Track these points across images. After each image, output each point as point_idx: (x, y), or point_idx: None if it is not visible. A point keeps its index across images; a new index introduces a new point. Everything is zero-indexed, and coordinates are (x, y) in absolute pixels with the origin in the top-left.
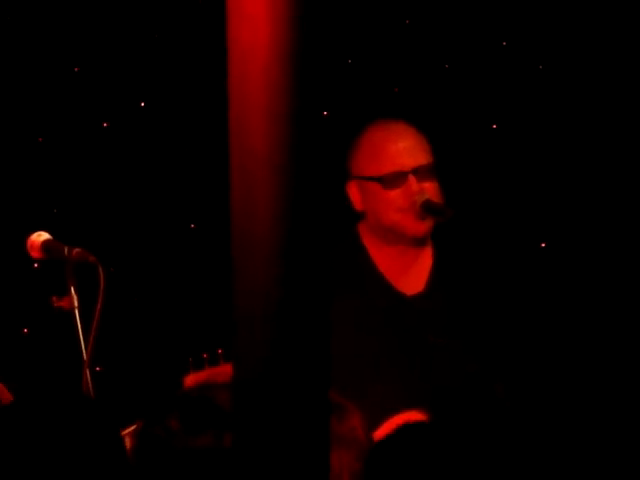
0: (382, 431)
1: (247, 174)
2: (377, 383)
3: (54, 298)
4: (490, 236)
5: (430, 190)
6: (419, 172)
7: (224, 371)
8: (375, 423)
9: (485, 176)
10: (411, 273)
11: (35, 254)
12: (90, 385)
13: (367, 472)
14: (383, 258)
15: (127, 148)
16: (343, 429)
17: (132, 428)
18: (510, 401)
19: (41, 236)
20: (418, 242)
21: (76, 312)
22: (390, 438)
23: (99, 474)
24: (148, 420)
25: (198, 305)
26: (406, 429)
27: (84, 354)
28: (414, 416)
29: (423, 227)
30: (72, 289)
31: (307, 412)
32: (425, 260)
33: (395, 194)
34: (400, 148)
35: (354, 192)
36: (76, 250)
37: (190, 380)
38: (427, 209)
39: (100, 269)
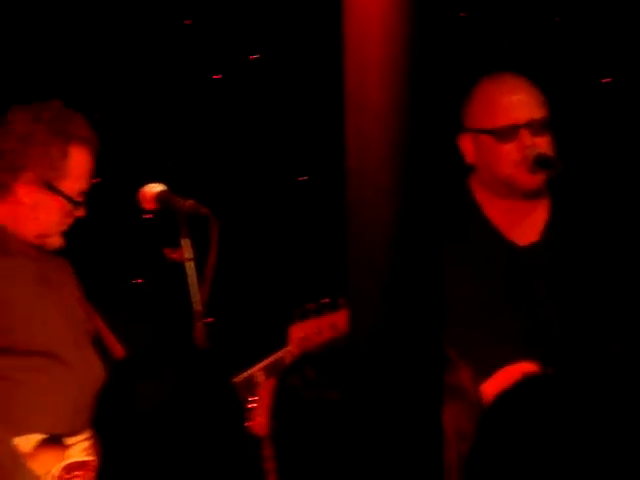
0: (493, 384)
1: (362, 125)
2: (489, 333)
3: (167, 250)
4: (609, 191)
5: (543, 144)
6: (532, 126)
7: (330, 321)
8: (484, 374)
9: (600, 130)
10: (524, 224)
11: (148, 205)
12: (203, 336)
13: (485, 430)
14: (495, 210)
15: (239, 101)
16: (452, 380)
17: (243, 376)
18: (628, 360)
19: (155, 187)
20: (531, 195)
21: (190, 264)
22: (511, 392)
23: (212, 424)
24: (285, 371)
25: (305, 257)
26: (528, 383)
27: (197, 305)
28: (528, 367)
29: (536, 180)
30: (185, 241)
31: (422, 362)
32: (540, 212)
33: (508, 148)
34: (514, 101)
35: (467, 145)
36: (189, 202)
37: (296, 330)
38: (539, 163)
39: (212, 221)
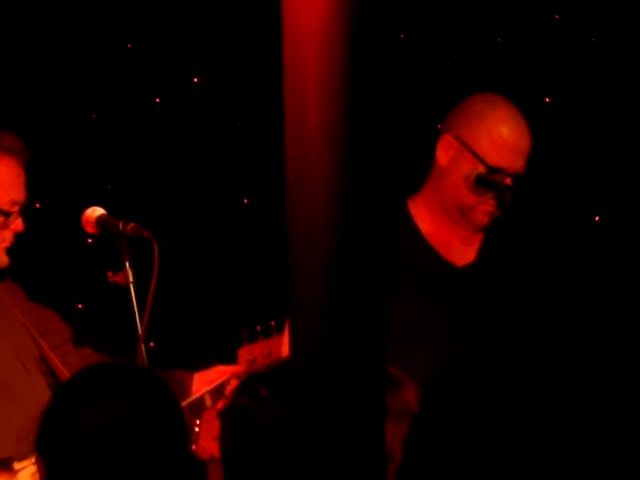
0: None
1: (302, 148)
2: (429, 352)
3: (109, 273)
4: (541, 209)
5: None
6: (515, 177)
7: (277, 343)
8: None
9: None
10: (461, 246)
11: (90, 229)
12: (145, 360)
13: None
14: (434, 233)
15: (180, 123)
16: (397, 403)
17: (190, 400)
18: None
19: (96, 211)
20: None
21: (131, 287)
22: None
23: (158, 447)
24: (235, 392)
25: (251, 279)
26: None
27: (139, 329)
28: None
29: (486, 221)
30: (127, 264)
31: (364, 385)
32: (476, 236)
33: (487, 194)
34: (520, 148)
35: (447, 148)
36: (131, 225)
37: (244, 352)
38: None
39: (155, 244)
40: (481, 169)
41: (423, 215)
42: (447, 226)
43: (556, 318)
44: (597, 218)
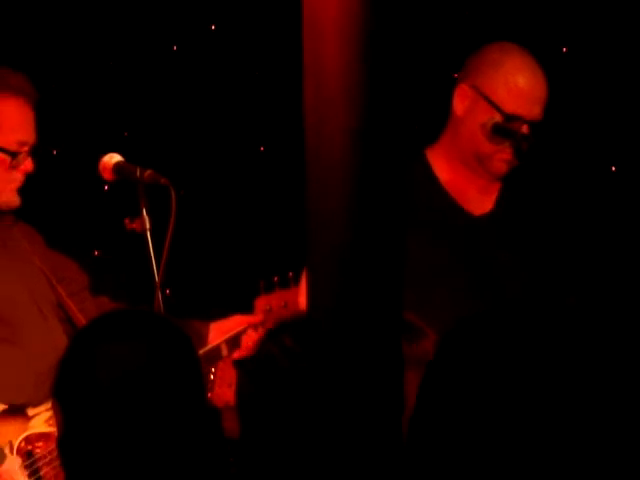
0: None
1: (322, 96)
2: (446, 299)
3: (127, 220)
4: (559, 158)
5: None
6: (532, 125)
7: (294, 294)
8: None
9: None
10: (479, 196)
11: (107, 176)
12: (162, 307)
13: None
14: (452, 180)
15: (197, 71)
16: (417, 351)
17: (206, 348)
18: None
19: (113, 158)
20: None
21: (148, 234)
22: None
23: (175, 393)
24: (263, 339)
25: (268, 228)
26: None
27: (156, 276)
28: None
29: (504, 169)
30: (144, 211)
31: (381, 331)
32: (494, 186)
33: (504, 143)
34: (536, 96)
35: (463, 98)
36: (148, 172)
37: (261, 302)
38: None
39: (172, 191)
40: (498, 118)
41: (441, 164)
42: (465, 175)
43: (572, 268)
44: (613, 168)
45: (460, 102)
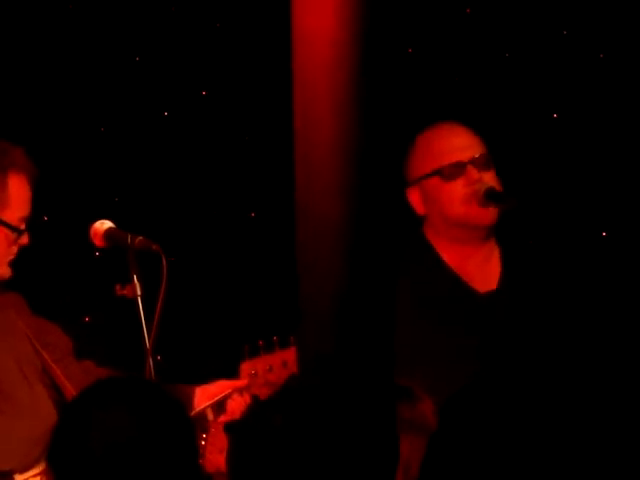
0: None
1: (311, 165)
2: (448, 373)
3: (117, 286)
4: (552, 230)
5: (489, 179)
6: (476, 162)
7: (281, 358)
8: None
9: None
10: (482, 272)
11: (98, 242)
12: (152, 373)
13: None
14: (453, 257)
15: (187, 137)
16: (414, 415)
17: (193, 413)
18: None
19: (104, 224)
20: (485, 238)
21: (139, 300)
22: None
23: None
24: (251, 415)
25: (255, 293)
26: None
27: (147, 342)
28: None
29: (489, 216)
30: (135, 277)
31: (373, 395)
32: (494, 259)
33: (457, 185)
34: (454, 143)
35: (415, 197)
36: (139, 238)
37: (246, 367)
38: (490, 196)
39: (163, 257)
40: (446, 172)
41: (438, 240)
42: (464, 250)
43: (579, 339)
44: (604, 234)
45: (416, 203)
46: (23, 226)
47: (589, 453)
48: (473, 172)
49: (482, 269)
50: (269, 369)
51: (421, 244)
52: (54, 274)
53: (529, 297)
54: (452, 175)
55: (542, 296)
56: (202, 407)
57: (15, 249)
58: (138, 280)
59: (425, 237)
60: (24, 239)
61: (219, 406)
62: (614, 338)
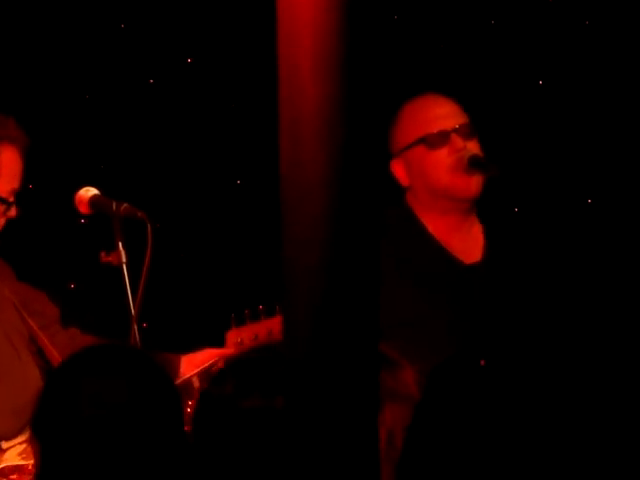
0: None
1: (296, 132)
2: (432, 343)
3: (102, 253)
4: (535, 201)
5: (474, 147)
6: (460, 131)
7: (266, 327)
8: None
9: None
10: (466, 243)
11: (83, 209)
12: (138, 341)
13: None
14: (438, 228)
15: (173, 104)
16: (397, 385)
17: (179, 381)
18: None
19: (89, 191)
20: (469, 210)
21: (124, 267)
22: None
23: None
24: (210, 383)
25: (241, 261)
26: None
27: (132, 309)
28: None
29: (474, 185)
30: (120, 244)
31: (357, 365)
32: (477, 232)
33: (441, 153)
34: (438, 112)
35: (399, 168)
36: (124, 205)
37: (232, 335)
38: (474, 163)
39: (148, 224)
40: (430, 140)
41: (423, 211)
42: (448, 221)
43: (563, 311)
44: (589, 200)
45: (401, 175)
46: (12, 199)
47: (572, 420)
48: (457, 140)
49: (466, 241)
50: (255, 338)
51: (406, 215)
52: (39, 241)
53: (513, 269)
54: (436, 143)
55: (526, 269)
56: (188, 375)
57: (2, 221)
58: (123, 247)
59: (410, 208)
60: (12, 212)
61: (205, 374)
62: (597, 306)
